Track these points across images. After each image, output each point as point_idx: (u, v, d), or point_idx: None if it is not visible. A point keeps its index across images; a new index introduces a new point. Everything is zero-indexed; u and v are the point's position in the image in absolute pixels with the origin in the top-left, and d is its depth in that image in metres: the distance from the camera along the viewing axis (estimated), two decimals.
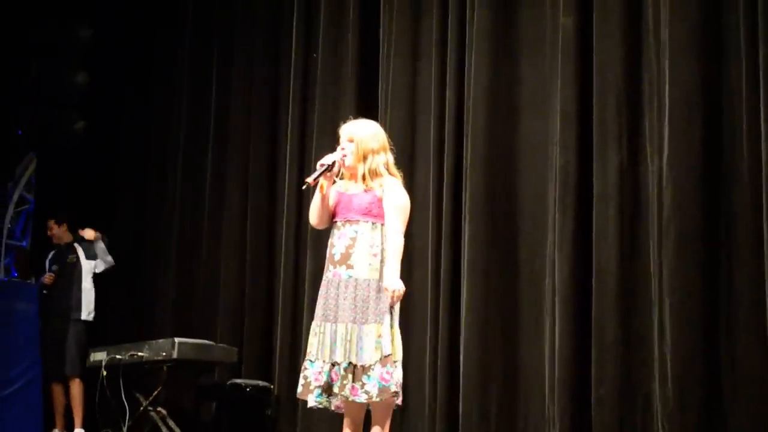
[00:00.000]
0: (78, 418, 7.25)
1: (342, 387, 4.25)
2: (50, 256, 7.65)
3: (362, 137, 4.46)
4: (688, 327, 4.58)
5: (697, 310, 4.59)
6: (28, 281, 7.85)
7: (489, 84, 5.66)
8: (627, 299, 4.87)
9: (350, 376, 4.25)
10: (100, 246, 7.48)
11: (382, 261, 4.34)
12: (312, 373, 4.34)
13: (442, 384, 5.60)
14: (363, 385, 4.23)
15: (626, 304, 4.86)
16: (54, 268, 7.56)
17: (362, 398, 4.24)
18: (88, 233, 7.45)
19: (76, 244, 7.55)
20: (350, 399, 4.25)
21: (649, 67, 4.98)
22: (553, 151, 5.33)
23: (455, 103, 5.83)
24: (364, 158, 4.43)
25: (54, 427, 7.41)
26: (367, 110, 5.56)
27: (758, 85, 4.52)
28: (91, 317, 7.37)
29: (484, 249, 5.51)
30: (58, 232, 7.61)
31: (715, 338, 4.55)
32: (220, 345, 6.94)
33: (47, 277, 7.47)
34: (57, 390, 7.41)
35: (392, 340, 4.28)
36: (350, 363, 4.25)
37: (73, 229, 7.63)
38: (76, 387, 7.24)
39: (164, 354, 6.59)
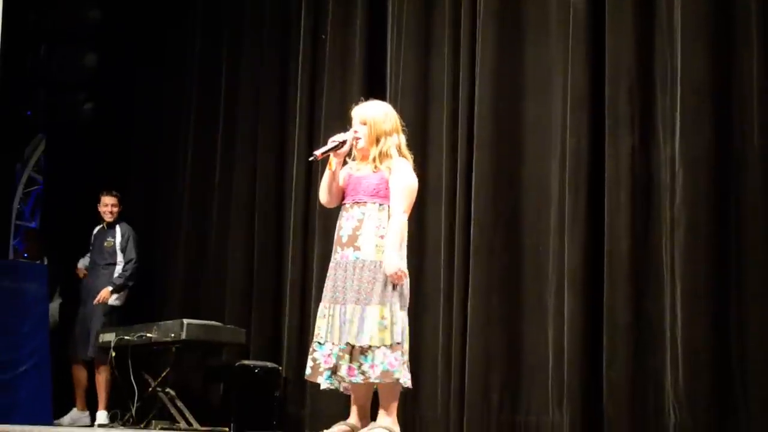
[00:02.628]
0: (102, 401, 7.29)
1: (339, 367, 4.27)
2: (95, 232, 7.65)
3: (375, 119, 4.47)
4: (700, 311, 4.57)
5: (708, 293, 4.58)
6: (38, 262, 7.88)
7: (497, 67, 5.65)
8: (639, 283, 4.86)
9: (347, 356, 4.26)
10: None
11: None
12: (321, 356, 4.35)
13: (448, 368, 5.62)
14: (360, 365, 4.24)
15: (638, 288, 4.86)
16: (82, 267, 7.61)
17: (358, 379, 4.25)
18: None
19: (117, 227, 7.56)
20: (347, 380, 4.27)
21: (661, 51, 4.97)
22: (559, 135, 5.32)
23: (464, 88, 5.82)
24: (377, 141, 4.45)
25: (74, 406, 7.47)
26: (376, 96, 5.55)
27: None
28: (119, 302, 7.40)
29: (489, 233, 5.51)
30: (117, 211, 7.58)
31: (726, 322, 4.55)
32: (229, 326, 6.96)
33: (80, 272, 7.52)
34: (79, 370, 7.45)
35: (402, 328, 4.29)
36: (347, 344, 4.26)
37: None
38: (103, 370, 7.27)
39: (173, 335, 6.62)
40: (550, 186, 5.36)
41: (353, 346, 4.24)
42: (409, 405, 5.71)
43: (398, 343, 4.25)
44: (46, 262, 7.81)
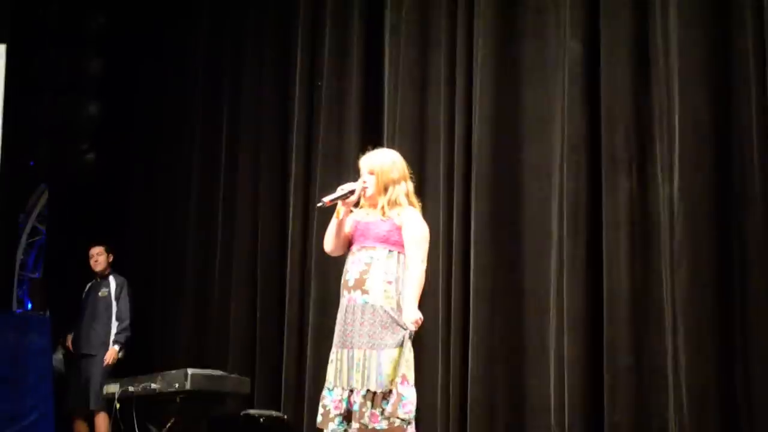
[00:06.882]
0: None
1: (361, 414, 4.25)
2: (87, 288, 7.64)
3: (382, 169, 4.50)
4: (703, 354, 4.52)
5: (711, 336, 4.53)
6: (42, 313, 7.86)
7: (494, 110, 5.63)
8: (639, 326, 4.82)
9: (369, 403, 4.26)
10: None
11: (398, 289, 4.36)
12: (331, 401, 4.36)
13: (447, 414, 5.57)
14: (383, 411, 4.25)
15: (639, 331, 4.81)
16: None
17: (383, 425, 4.24)
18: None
19: (111, 278, 7.53)
20: (370, 427, 4.25)
21: (658, 93, 4.94)
22: (557, 177, 5.30)
23: (462, 131, 5.80)
24: (385, 189, 4.48)
25: None
26: (372, 139, 5.55)
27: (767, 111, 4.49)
28: (120, 354, 7.37)
29: (489, 277, 5.48)
30: (105, 260, 7.56)
31: (730, 365, 4.50)
32: (233, 375, 6.91)
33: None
34: (80, 425, 7.39)
35: (407, 362, 4.30)
36: (368, 390, 4.26)
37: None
38: (102, 421, 7.22)
39: (177, 385, 6.56)
40: (552, 229, 5.33)
41: (374, 393, 4.26)
42: None
43: (402, 375, 4.26)
44: (48, 314, 7.79)
